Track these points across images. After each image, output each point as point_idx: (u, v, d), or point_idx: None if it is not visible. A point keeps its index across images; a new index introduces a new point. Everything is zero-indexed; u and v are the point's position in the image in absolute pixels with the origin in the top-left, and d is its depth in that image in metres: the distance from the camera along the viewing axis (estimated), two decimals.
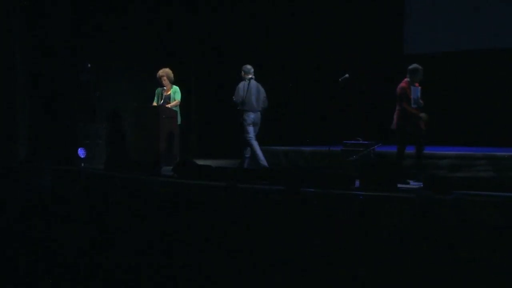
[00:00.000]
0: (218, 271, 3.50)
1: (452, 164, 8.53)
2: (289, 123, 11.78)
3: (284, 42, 12.00)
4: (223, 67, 10.01)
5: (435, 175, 7.39)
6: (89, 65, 10.07)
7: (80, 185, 7.20)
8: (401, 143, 8.00)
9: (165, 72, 9.59)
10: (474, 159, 8.48)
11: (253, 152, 9.19)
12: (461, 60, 10.74)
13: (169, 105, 9.54)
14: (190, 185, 7.41)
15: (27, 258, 3.74)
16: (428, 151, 9.08)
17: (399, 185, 7.27)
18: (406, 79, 7.94)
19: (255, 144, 9.17)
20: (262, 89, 9.29)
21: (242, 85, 9.24)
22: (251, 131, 9.16)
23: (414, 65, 7.99)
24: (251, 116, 9.16)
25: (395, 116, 8.02)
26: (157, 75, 9.62)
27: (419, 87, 7.99)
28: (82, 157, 9.54)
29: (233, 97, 9.26)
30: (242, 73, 9.32)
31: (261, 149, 9.37)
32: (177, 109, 9.66)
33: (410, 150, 9.31)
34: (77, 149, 9.57)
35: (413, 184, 7.60)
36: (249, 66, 9.38)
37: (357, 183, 7.27)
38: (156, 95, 9.75)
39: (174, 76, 9.73)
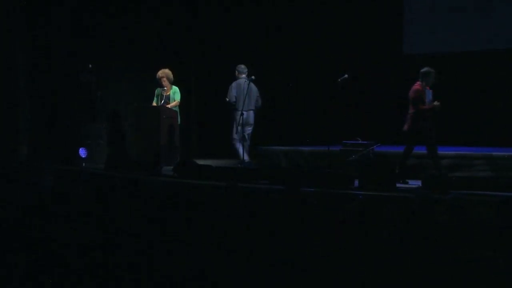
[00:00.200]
0: (218, 271, 3.49)
1: (450, 164, 8.55)
2: (289, 123, 11.78)
3: (284, 42, 11.99)
4: (223, 67, 10.02)
5: (434, 175, 7.43)
6: (90, 66, 10.09)
7: (81, 185, 7.21)
8: (411, 144, 7.98)
9: (164, 73, 9.62)
10: (473, 159, 8.49)
11: (236, 151, 9.34)
12: (460, 60, 10.73)
13: (169, 105, 9.58)
14: (191, 185, 7.43)
15: (27, 258, 3.73)
16: (425, 150, 9.13)
17: (398, 185, 7.31)
18: (419, 82, 7.92)
19: (238, 145, 9.32)
20: (255, 89, 9.34)
21: (234, 84, 9.33)
22: (239, 130, 9.28)
23: (427, 68, 7.97)
24: (244, 116, 9.24)
25: (408, 119, 7.98)
26: (157, 76, 9.64)
27: (431, 90, 7.98)
28: (83, 157, 9.56)
29: (226, 97, 9.34)
30: (236, 72, 9.42)
31: (261, 149, 9.42)
32: (177, 109, 9.70)
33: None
34: (78, 149, 9.59)
35: (411, 184, 7.63)
36: (243, 66, 9.46)
37: (356, 182, 7.31)
38: (155, 96, 9.77)
39: (174, 76, 9.76)
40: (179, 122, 9.68)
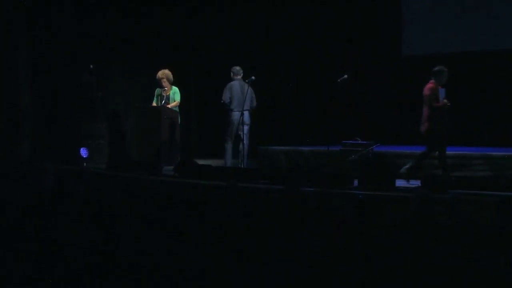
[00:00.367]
0: (218, 271, 3.48)
1: (449, 163, 8.58)
2: (289, 123, 11.80)
3: (284, 42, 12.00)
4: (223, 67, 10.05)
5: (433, 174, 7.45)
6: (91, 66, 10.12)
7: (82, 185, 7.23)
8: (439, 146, 7.89)
9: (164, 74, 9.66)
10: (471, 159, 8.52)
11: (225, 152, 9.42)
12: (459, 61, 10.74)
13: (170, 106, 9.62)
14: (191, 184, 7.45)
15: (28, 258, 3.73)
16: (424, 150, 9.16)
17: (398, 184, 7.33)
18: (432, 81, 7.91)
19: (228, 146, 9.42)
20: (250, 89, 9.37)
21: (229, 85, 9.39)
22: (232, 131, 9.35)
23: (439, 67, 7.96)
24: (236, 116, 9.30)
25: (425, 120, 7.92)
26: (157, 77, 9.69)
27: (444, 89, 7.96)
28: (84, 156, 9.59)
29: (222, 98, 9.40)
30: (231, 74, 9.48)
31: (261, 149, 9.45)
32: (177, 109, 9.73)
33: (408, 150, 9.39)
34: (79, 149, 9.62)
35: (411, 184, 7.66)
36: (237, 67, 9.53)
37: (356, 182, 7.33)
38: (155, 96, 9.81)
39: (174, 76, 9.79)
40: (179, 122, 9.72)
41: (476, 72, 10.54)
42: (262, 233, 4.17)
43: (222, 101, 9.44)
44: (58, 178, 7.21)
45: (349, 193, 6.55)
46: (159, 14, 11.79)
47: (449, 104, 7.82)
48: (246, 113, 9.39)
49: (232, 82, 9.45)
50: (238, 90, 9.32)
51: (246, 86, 9.31)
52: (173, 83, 9.80)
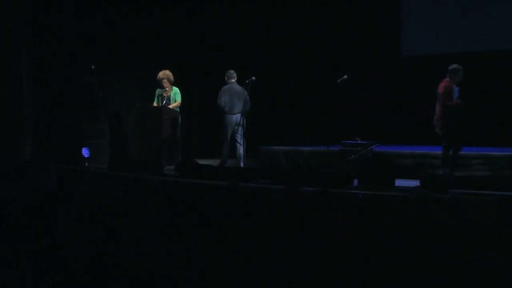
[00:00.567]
0: (218, 271, 3.50)
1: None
2: (289, 123, 11.83)
3: (284, 42, 12.03)
4: (223, 68, 10.09)
5: (432, 174, 7.48)
6: (93, 67, 10.16)
7: (83, 185, 7.26)
8: (456, 143, 7.91)
9: (165, 75, 9.70)
10: (470, 159, 8.54)
11: (224, 153, 9.53)
12: (459, 61, 10.73)
13: (171, 106, 9.66)
14: (192, 184, 7.47)
15: (28, 257, 3.74)
16: (424, 150, 9.20)
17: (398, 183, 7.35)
18: (447, 79, 7.91)
19: (225, 149, 9.52)
20: (243, 93, 9.46)
21: (224, 89, 9.49)
22: (228, 134, 9.45)
23: (454, 65, 7.96)
24: (231, 119, 9.42)
25: (438, 118, 7.93)
26: (158, 77, 9.73)
27: (457, 87, 7.95)
28: (86, 156, 9.63)
29: (217, 101, 9.47)
30: (226, 77, 9.59)
31: (261, 149, 9.49)
32: (178, 109, 9.78)
33: (408, 150, 9.43)
34: (81, 149, 9.67)
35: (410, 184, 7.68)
36: (232, 71, 9.65)
37: (356, 182, 7.36)
38: (156, 96, 9.85)
39: (175, 77, 9.84)
40: (180, 123, 9.76)
41: (476, 72, 10.54)
42: (263, 232, 4.18)
43: (217, 105, 9.54)
44: (59, 178, 7.24)
45: (349, 192, 6.57)
46: (160, 15, 11.82)
47: (462, 103, 7.82)
48: (241, 116, 9.48)
49: (227, 86, 9.56)
50: (233, 93, 9.45)
51: (240, 89, 9.42)
52: (174, 84, 9.84)
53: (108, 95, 10.82)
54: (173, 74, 9.82)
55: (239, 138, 9.47)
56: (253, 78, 9.31)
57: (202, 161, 9.05)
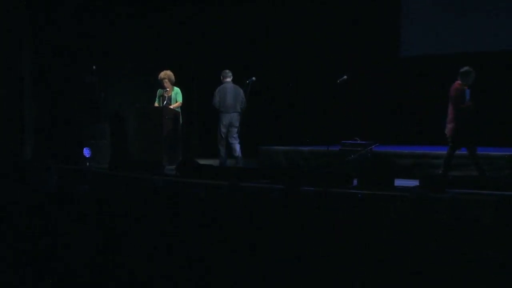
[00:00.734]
0: (219, 270, 3.49)
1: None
2: (289, 123, 11.86)
3: (284, 42, 12.05)
4: (224, 68, 10.12)
5: (431, 174, 7.50)
6: (94, 67, 10.20)
7: (84, 184, 7.27)
8: (469, 145, 7.85)
9: (166, 75, 9.74)
10: (469, 159, 8.57)
11: (218, 152, 9.61)
12: (458, 62, 10.74)
13: (172, 106, 9.69)
14: (192, 184, 7.49)
15: (29, 257, 3.74)
16: (423, 150, 9.23)
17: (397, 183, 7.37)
18: (459, 81, 7.88)
19: (221, 147, 9.58)
20: (239, 92, 9.53)
21: (218, 89, 9.56)
22: (224, 133, 9.51)
23: (466, 68, 7.92)
24: (226, 118, 9.46)
25: (451, 120, 7.89)
26: (159, 77, 9.76)
27: (469, 90, 7.91)
28: (87, 156, 9.66)
29: (212, 101, 9.54)
30: (221, 77, 9.64)
31: (261, 149, 9.52)
32: (179, 110, 9.81)
33: (407, 150, 9.46)
34: (83, 149, 9.71)
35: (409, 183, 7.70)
36: (227, 70, 9.73)
37: (355, 182, 7.39)
38: (157, 97, 9.88)
39: (176, 77, 9.87)
40: (181, 123, 9.80)
41: (476, 73, 10.58)
42: (263, 232, 4.20)
43: (212, 105, 9.62)
44: (60, 178, 7.26)
45: (349, 192, 6.60)
46: (160, 15, 11.84)
47: (474, 105, 7.79)
48: (235, 115, 9.53)
49: (222, 85, 9.62)
50: (227, 93, 9.51)
51: (236, 88, 9.48)
52: (175, 84, 9.88)
53: (109, 95, 10.85)
54: (174, 74, 9.86)
55: (235, 137, 9.53)
56: (253, 78, 9.35)
57: (202, 161, 9.08)
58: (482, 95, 10.41)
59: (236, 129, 9.55)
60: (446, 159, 8.00)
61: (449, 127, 7.92)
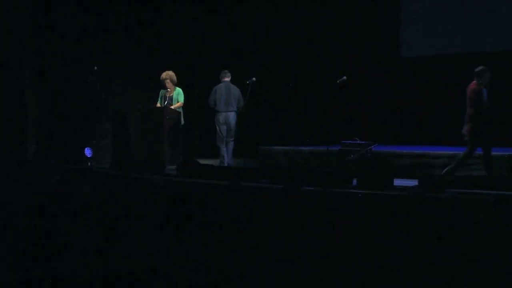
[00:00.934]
0: (220, 270, 3.52)
1: (446, 163, 8.66)
2: (289, 123, 11.89)
3: (284, 42, 12.07)
4: (224, 68, 10.15)
5: (431, 174, 7.52)
6: (95, 68, 10.23)
7: (86, 184, 7.30)
8: (486, 145, 7.83)
9: (168, 75, 9.78)
10: (470, 159, 8.59)
11: (218, 150, 9.71)
12: (458, 62, 10.78)
13: (173, 107, 9.73)
14: (193, 183, 7.51)
15: (29, 257, 3.77)
16: (422, 150, 9.26)
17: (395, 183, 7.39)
18: (475, 81, 7.82)
19: (221, 146, 9.68)
20: (235, 91, 9.64)
21: (215, 88, 9.67)
22: (222, 130, 9.64)
23: (481, 67, 7.86)
24: (221, 117, 9.61)
25: (468, 120, 7.85)
26: (161, 78, 9.81)
27: (485, 89, 7.86)
28: (88, 156, 9.70)
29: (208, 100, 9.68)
30: (220, 77, 9.81)
31: (261, 149, 9.54)
32: (180, 110, 9.85)
33: (406, 150, 9.49)
34: (84, 149, 9.74)
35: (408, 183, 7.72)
36: (225, 70, 9.86)
37: (355, 181, 7.41)
38: (159, 97, 9.93)
39: (177, 77, 9.92)
40: (182, 123, 9.84)
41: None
42: (263, 231, 4.22)
43: (208, 103, 9.72)
44: (62, 178, 7.28)
45: (348, 192, 6.62)
46: (161, 15, 11.85)
47: (491, 104, 7.78)
48: (231, 114, 9.60)
49: (219, 85, 9.75)
50: (223, 92, 9.63)
51: (232, 87, 9.55)
52: (176, 84, 9.92)
53: (110, 95, 10.88)
54: (176, 75, 9.91)
55: (230, 136, 9.65)
56: (254, 78, 9.37)
57: (203, 161, 9.10)
58: None
59: (232, 128, 9.63)
60: (462, 159, 7.95)
61: (466, 127, 7.88)
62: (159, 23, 11.79)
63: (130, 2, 11.34)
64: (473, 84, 7.86)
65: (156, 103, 9.94)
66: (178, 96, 9.83)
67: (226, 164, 9.55)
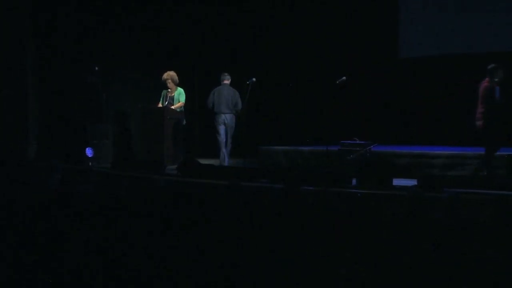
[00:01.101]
0: (220, 269, 3.53)
1: (445, 163, 8.68)
2: (289, 123, 11.91)
3: (284, 42, 12.09)
4: (225, 68, 10.17)
5: (430, 173, 7.54)
6: (96, 68, 10.26)
7: (87, 184, 7.32)
8: (492, 145, 7.83)
9: (169, 75, 9.81)
10: (470, 159, 8.58)
11: (219, 151, 9.79)
12: (457, 62, 10.81)
13: (173, 107, 9.75)
14: (194, 183, 7.53)
15: (30, 257, 3.78)
16: (421, 150, 9.28)
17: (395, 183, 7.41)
18: (487, 79, 7.82)
19: (221, 147, 9.76)
20: (234, 94, 9.70)
21: (213, 90, 9.80)
22: (221, 131, 9.71)
23: (493, 65, 7.86)
24: (220, 118, 9.69)
25: (480, 118, 7.84)
26: (162, 78, 9.84)
27: (498, 87, 7.84)
28: (89, 156, 9.72)
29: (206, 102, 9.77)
30: (220, 79, 9.85)
31: (262, 149, 9.55)
32: (182, 110, 9.88)
33: (405, 150, 9.51)
34: (85, 149, 9.77)
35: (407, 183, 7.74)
36: (225, 73, 9.90)
37: (354, 181, 7.43)
38: (161, 97, 9.96)
39: (179, 78, 9.95)
40: (184, 123, 9.88)
41: (475, 74, 10.60)
42: (263, 231, 4.24)
43: (206, 104, 9.81)
44: (63, 178, 7.30)
45: (348, 191, 6.64)
46: (163, 15, 11.88)
47: (504, 102, 7.76)
48: (229, 116, 9.66)
49: (218, 87, 9.83)
50: (221, 94, 9.72)
51: (230, 89, 9.61)
52: (178, 84, 9.95)
53: (111, 95, 10.91)
54: (177, 75, 9.94)
55: (227, 137, 9.71)
56: (254, 79, 9.38)
57: (203, 161, 9.12)
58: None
59: (232, 131, 9.70)
60: (486, 160, 7.90)
61: (478, 124, 7.88)
62: (159, 23, 11.80)
63: (130, 2, 11.35)
64: (485, 82, 7.86)
65: (158, 103, 9.96)
66: (179, 96, 9.85)
67: (226, 164, 9.58)
